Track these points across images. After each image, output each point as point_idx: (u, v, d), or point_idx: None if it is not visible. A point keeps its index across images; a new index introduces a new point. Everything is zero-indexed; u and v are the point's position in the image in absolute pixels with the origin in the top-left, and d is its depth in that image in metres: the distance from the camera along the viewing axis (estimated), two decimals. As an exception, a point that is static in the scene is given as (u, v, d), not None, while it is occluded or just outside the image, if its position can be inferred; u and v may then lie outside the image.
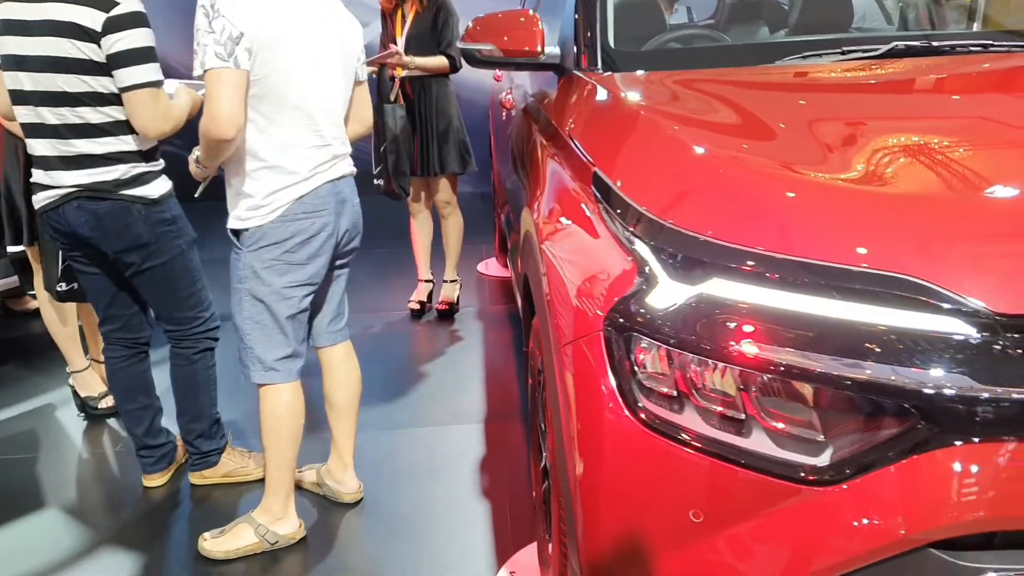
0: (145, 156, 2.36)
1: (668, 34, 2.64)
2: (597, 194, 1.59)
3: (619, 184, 1.50)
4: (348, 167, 2.32)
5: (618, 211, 1.46)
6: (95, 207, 2.31)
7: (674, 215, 1.34)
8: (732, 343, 1.18)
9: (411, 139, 3.96)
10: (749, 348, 1.17)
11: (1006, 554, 1.12)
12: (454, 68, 3.91)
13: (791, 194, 1.31)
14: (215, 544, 2.34)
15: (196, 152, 2.21)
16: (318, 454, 2.72)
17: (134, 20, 2.20)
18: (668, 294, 1.26)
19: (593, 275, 1.46)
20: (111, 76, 2.22)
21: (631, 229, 1.40)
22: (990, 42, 2.08)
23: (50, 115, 2.25)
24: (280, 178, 2.14)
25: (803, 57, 2.05)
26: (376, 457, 2.86)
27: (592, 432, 1.35)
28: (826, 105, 1.79)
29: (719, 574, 1.24)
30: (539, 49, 2.34)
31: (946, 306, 1.10)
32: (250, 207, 2.15)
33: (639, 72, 2.10)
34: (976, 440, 1.07)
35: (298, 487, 2.65)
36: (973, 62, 2.02)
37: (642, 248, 1.35)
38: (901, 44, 2.04)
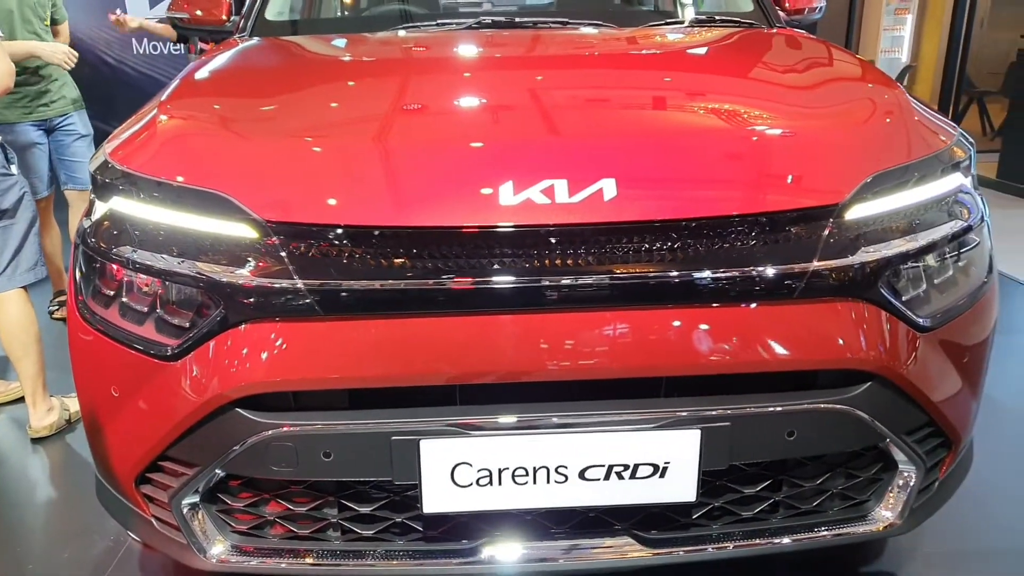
0: None
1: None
2: None
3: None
4: None
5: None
6: None
7: (113, 150, 1.61)
8: (114, 248, 1.47)
9: None
10: (125, 252, 1.46)
11: (304, 414, 1.41)
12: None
13: (185, 133, 1.62)
14: None
15: None
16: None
17: None
18: (97, 212, 1.55)
19: None
20: None
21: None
22: (567, 20, 2.34)
23: None
24: None
25: (406, 28, 2.33)
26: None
27: (69, 323, 1.63)
28: (344, 69, 2.09)
29: (131, 442, 1.53)
30: (224, 18, 2.62)
31: (238, 215, 1.38)
32: None
33: (255, 40, 2.36)
34: (258, 320, 1.37)
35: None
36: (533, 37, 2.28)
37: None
38: (488, 19, 2.32)
